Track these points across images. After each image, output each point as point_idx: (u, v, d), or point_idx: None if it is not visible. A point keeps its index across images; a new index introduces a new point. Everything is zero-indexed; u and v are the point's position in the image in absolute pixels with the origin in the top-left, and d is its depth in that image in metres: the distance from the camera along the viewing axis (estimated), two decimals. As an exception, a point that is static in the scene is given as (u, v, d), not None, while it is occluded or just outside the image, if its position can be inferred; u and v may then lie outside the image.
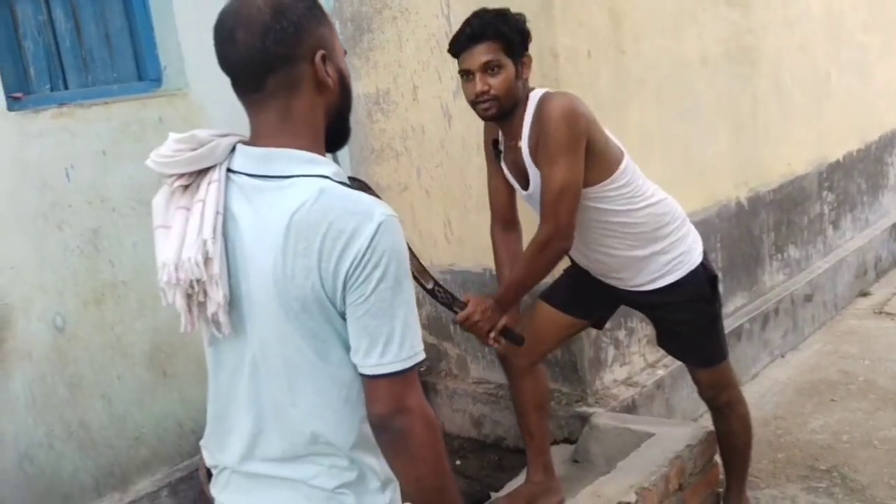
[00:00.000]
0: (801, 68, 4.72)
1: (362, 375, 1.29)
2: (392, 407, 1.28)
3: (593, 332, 3.31)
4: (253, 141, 1.34)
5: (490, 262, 3.08)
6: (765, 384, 4.16)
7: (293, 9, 1.29)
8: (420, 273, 2.39)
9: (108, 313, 3.04)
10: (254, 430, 1.37)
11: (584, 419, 3.21)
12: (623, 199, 2.48)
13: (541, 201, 2.40)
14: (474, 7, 3.21)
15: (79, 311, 2.95)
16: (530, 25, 3.07)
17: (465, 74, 2.41)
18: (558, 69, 3.09)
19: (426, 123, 3.54)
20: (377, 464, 1.38)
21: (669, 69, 3.67)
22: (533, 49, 3.08)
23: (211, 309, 1.29)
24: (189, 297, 1.29)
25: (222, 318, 1.30)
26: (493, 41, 2.34)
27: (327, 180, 1.29)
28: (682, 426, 3.00)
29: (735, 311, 4.21)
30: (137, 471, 3.13)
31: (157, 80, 3.31)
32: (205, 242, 1.26)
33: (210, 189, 1.29)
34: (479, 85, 2.36)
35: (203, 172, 1.31)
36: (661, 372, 3.64)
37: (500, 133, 2.58)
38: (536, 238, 2.43)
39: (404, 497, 1.39)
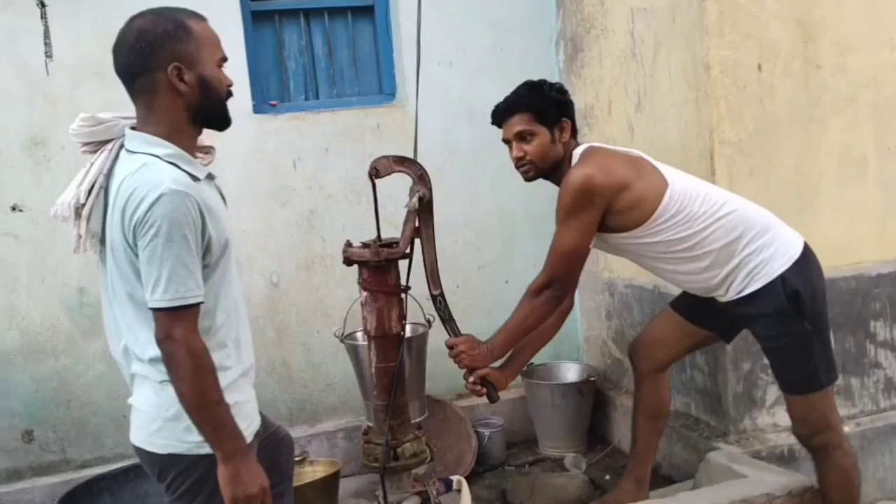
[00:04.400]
0: None
1: None
2: (161, 334, 1.67)
3: (744, 365, 3.09)
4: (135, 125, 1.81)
5: (657, 280, 3.15)
6: None
7: (151, 32, 1.72)
8: (432, 277, 2.62)
9: (314, 278, 3.77)
10: (125, 339, 1.83)
11: (714, 455, 3.01)
12: (678, 227, 2.41)
13: (548, 254, 2.52)
14: (653, 23, 3.27)
15: (291, 273, 3.72)
16: (686, 37, 3.05)
17: (506, 143, 2.61)
18: (709, 82, 2.97)
19: (616, 136, 3.60)
20: None
21: (897, 86, 3.19)
22: (687, 60, 3.05)
23: (81, 239, 1.78)
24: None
25: (88, 246, 1.79)
26: (525, 113, 2.51)
27: (154, 158, 1.71)
28: (781, 475, 2.65)
29: None
30: (325, 412, 3.80)
31: (392, 95, 3.95)
32: (79, 192, 1.76)
33: (101, 156, 1.78)
34: (515, 151, 2.56)
35: (106, 143, 1.80)
36: (845, 429, 3.17)
37: None
38: (532, 285, 2.54)
39: None
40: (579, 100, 3.88)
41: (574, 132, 2.57)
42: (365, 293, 2.64)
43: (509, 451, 3.89)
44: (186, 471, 1.78)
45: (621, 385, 3.84)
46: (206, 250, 1.74)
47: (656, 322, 2.87)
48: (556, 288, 2.52)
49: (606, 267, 3.84)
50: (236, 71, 3.59)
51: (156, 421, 1.77)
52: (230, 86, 1.87)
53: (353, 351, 3.04)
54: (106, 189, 1.79)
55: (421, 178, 2.63)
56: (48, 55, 3.31)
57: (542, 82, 2.58)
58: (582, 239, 2.44)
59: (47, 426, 3.45)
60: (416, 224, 2.62)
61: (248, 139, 3.66)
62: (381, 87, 3.99)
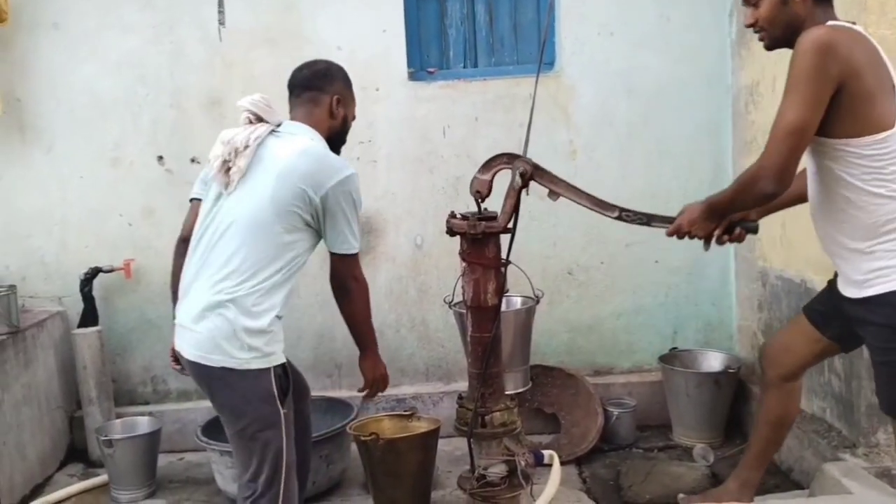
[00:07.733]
0: None
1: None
2: (347, 273, 2.36)
3: (883, 373, 2.80)
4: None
5: (805, 273, 3.12)
6: None
7: (337, 71, 2.49)
8: (601, 207, 2.52)
9: (456, 243, 3.84)
10: (219, 272, 2.23)
11: (837, 468, 2.78)
12: (859, 170, 2.06)
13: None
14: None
15: (434, 236, 3.85)
16: (845, 14, 2.78)
17: None
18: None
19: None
20: None
21: None
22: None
23: (233, 172, 2.24)
24: (225, 163, 2.26)
25: (235, 178, 2.24)
26: None
27: (312, 142, 2.31)
28: (891, 496, 2.41)
29: None
30: (459, 372, 3.92)
31: (551, 64, 3.93)
32: (245, 142, 2.26)
33: (258, 129, 2.30)
34: (746, 18, 2.29)
35: (261, 121, 2.32)
36: None
37: None
38: (748, 169, 2.19)
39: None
40: (746, 75, 3.65)
41: None
42: (464, 264, 2.71)
43: (642, 433, 3.82)
44: (232, 381, 2.20)
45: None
46: None
47: (787, 326, 2.73)
48: (766, 177, 2.07)
49: (761, 255, 3.61)
50: (394, 40, 3.78)
51: (214, 340, 2.19)
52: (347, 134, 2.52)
53: (459, 318, 3.13)
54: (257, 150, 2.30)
55: (509, 160, 2.61)
56: (221, 22, 3.65)
57: None
58: (807, 114, 2.01)
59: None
60: (517, 200, 2.62)
61: (401, 105, 3.82)
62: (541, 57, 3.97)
